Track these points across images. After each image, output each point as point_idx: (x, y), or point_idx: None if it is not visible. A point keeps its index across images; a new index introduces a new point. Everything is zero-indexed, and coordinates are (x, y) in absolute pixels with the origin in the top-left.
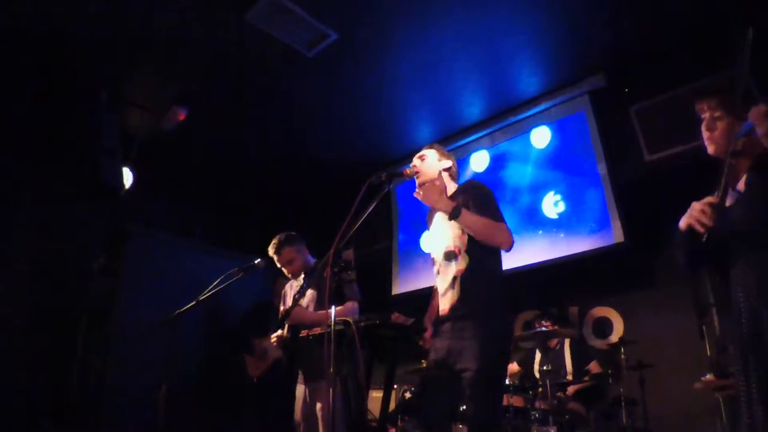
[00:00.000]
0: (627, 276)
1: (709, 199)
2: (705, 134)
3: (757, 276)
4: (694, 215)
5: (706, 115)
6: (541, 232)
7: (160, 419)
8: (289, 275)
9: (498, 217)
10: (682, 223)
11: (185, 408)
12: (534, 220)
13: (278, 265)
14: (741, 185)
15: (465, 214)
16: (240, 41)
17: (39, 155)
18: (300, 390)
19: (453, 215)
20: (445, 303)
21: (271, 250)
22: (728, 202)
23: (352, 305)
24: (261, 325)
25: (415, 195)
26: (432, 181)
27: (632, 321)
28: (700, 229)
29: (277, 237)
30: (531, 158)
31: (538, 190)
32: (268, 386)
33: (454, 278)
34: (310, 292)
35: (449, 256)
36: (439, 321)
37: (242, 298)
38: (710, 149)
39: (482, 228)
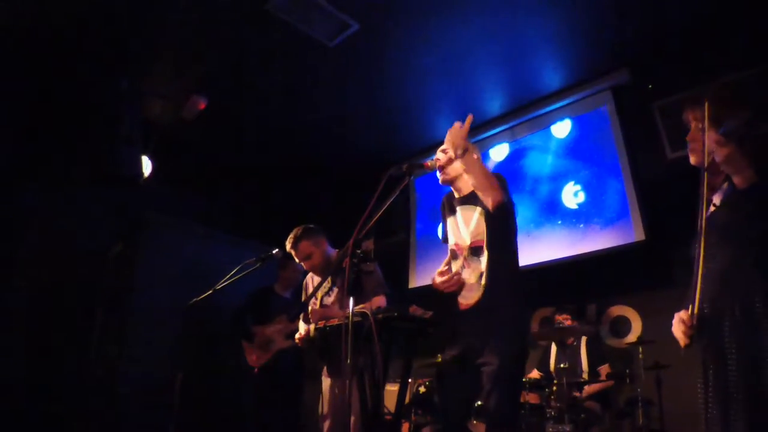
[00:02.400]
0: (647, 275)
1: (681, 316)
2: (689, 145)
3: (720, 289)
4: (674, 329)
5: (691, 125)
6: (560, 222)
7: (174, 406)
8: (309, 270)
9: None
10: (673, 330)
11: (197, 395)
12: (553, 210)
13: (297, 261)
14: (717, 199)
15: (470, 157)
16: (260, 31)
17: (60, 142)
18: (327, 383)
19: (461, 155)
20: (470, 298)
21: (288, 245)
22: (706, 213)
23: (379, 300)
24: (263, 311)
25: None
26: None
27: (650, 320)
28: (680, 343)
29: (294, 231)
30: (551, 149)
31: (558, 180)
32: (272, 377)
33: (481, 274)
34: (336, 287)
35: (476, 251)
36: (461, 314)
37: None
38: (691, 159)
39: (483, 174)
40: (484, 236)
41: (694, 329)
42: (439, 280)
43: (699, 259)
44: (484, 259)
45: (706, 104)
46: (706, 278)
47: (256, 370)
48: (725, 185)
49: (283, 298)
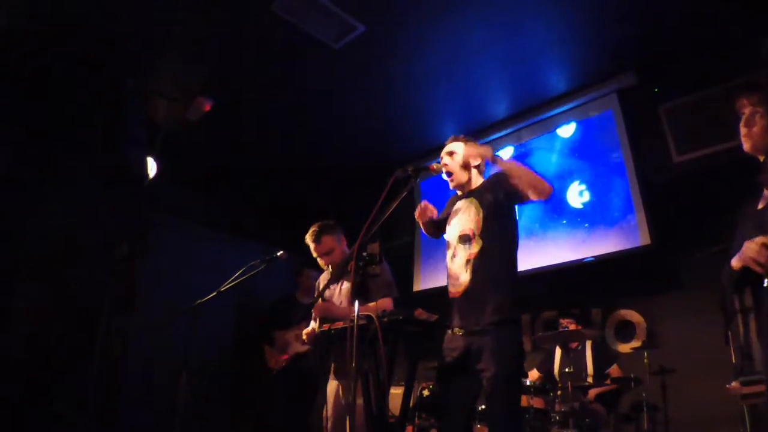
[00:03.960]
0: (652, 279)
1: (763, 239)
2: (743, 130)
3: None
4: (750, 255)
5: (746, 111)
6: (565, 221)
7: (179, 406)
8: (326, 267)
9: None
10: (736, 262)
11: (205, 396)
12: (558, 209)
13: (315, 255)
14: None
15: (503, 162)
16: (266, 32)
17: (64, 142)
18: (332, 386)
19: (494, 159)
20: (458, 286)
21: (309, 239)
22: (762, 204)
23: (386, 302)
24: (284, 318)
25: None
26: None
27: (656, 325)
28: (759, 269)
29: (315, 225)
30: (556, 148)
31: (563, 179)
32: (289, 380)
33: (467, 261)
34: (346, 286)
35: (464, 239)
36: (451, 302)
37: (265, 289)
38: (746, 146)
39: (523, 173)
40: (473, 225)
41: None
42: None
43: None
44: (468, 247)
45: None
46: None
47: (275, 372)
48: None
49: (304, 305)
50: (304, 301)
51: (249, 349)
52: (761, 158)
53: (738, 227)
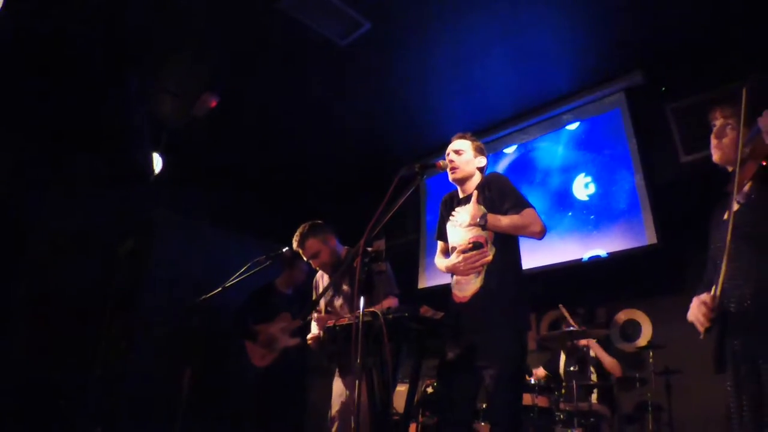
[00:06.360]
0: (658, 278)
1: (704, 298)
2: (713, 141)
3: (745, 289)
4: (693, 313)
5: (717, 123)
6: (570, 214)
7: (182, 402)
8: (317, 268)
9: (520, 205)
10: (688, 316)
11: (205, 392)
12: (564, 201)
13: (305, 259)
14: (740, 198)
15: (491, 221)
16: (271, 29)
17: (71, 140)
18: (338, 385)
19: (483, 228)
20: (466, 290)
21: (294, 243)
22: (726, 215)
23: (391, 301)
24: (264, 309)
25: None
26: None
27: (661, 325)
28: (699, 328)
29: (300, 228)
30: (562, 141)
31: (569, 171)
32: (279, 376)
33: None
34: (345, 289)
35: (476, 246)
36: (457, 311)
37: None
38: (715, 156)
39: (512, 227)
40: (485, 233)
41: (716, 312)
42: (459, 258)
43: (725, 252)
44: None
45: (744, 98)
46: (731, 277)
47: (260, 369)
48: (749, 184)
49: (285, 295)
50: (285, 291)
51: (229, 344)
52: (730, 169)
53: (710, 236)
